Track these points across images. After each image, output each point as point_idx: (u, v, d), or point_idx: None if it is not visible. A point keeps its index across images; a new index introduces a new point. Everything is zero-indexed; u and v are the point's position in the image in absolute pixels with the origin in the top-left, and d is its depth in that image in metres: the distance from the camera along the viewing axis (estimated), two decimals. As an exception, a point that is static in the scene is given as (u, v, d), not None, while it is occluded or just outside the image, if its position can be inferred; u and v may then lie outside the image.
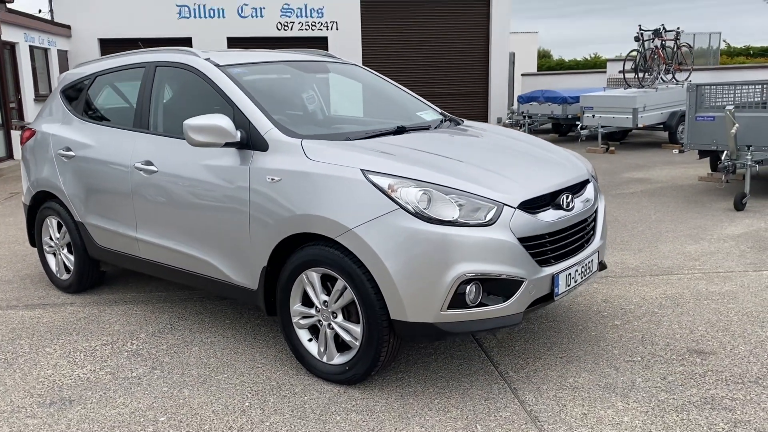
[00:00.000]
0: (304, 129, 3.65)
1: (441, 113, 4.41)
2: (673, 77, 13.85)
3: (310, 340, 3.34)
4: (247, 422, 2.90)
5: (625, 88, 13.65)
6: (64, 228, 4.69)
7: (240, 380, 3.31)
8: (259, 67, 4.06)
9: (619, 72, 16.59)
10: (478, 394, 3.08)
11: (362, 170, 3.03)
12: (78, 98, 4.73)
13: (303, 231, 3.16)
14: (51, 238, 4.87)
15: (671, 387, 3.09)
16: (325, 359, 3.26)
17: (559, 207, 3.22)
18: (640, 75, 13.51)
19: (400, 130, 3.74)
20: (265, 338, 3.83)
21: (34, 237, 5.04)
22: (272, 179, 3.28)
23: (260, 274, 3.41)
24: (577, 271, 3.26)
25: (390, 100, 4.43)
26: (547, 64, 38.14)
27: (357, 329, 3.09)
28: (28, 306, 4.54)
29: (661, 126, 12.87)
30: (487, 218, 2.91)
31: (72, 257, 4.70)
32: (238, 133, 3.40)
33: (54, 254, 4.90)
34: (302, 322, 3.32)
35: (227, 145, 3.41)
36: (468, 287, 2.86)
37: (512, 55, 20.43)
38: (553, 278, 3.09)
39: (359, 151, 3.20)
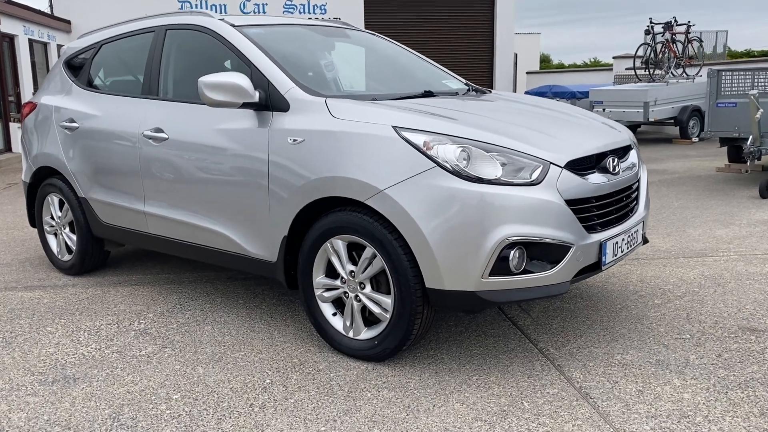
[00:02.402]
0: (326, 91, 3.41)
1: (465, 83, 4.17)
2: (684, 71, 13.65)
3: (334, 314, 3.09)
4: (270, 399, 2.65)
5: (635, 83, 13.44)
6: (66, 206, 4.44)
7: (258, 358, 3.05)
8: (277, 29, 3.82)
9: (627, 69, 16.42)
10: (520, 371, 2.83)
11: (394, 127, 2.78)
12: (82, 68, 4.48)
13: (328, 195, 2.92)
14: (52, 218, 4.62)
15: (729, 364, 2.84)
16: (351, 334, 3.00)
17: (605, 170, 2.98)
18: (651, 69, 13.31)
19: (428, 94, 3.50)
20: (283, 316, 3.58)
21: (34, 217, 4.79)
22: (294, 140, 3.03)
23: (280, 245, 3.16)
24: (623, 240, 3.02)
25: (412, 68, 4.19)
26: (547, 68, 38.02)
27: (387, 300, 2.84)
28: (27, 287, 4.28)
29: (672, 121, 12.66)
30: (533, 177, 2.67)
31: (74, 237, 4.44)
32: (257, 93, 3.15)
33: (55, 234, 4.64)
34: (326, 294, 3.07)
35: (244, 106, 3.16)
36: (512, 252, 2.62)
37: (515, 56, 20.24)
38: (601, 246, 2.85)
39: (390, 108, 2.96)
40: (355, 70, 4.10)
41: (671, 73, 13.44)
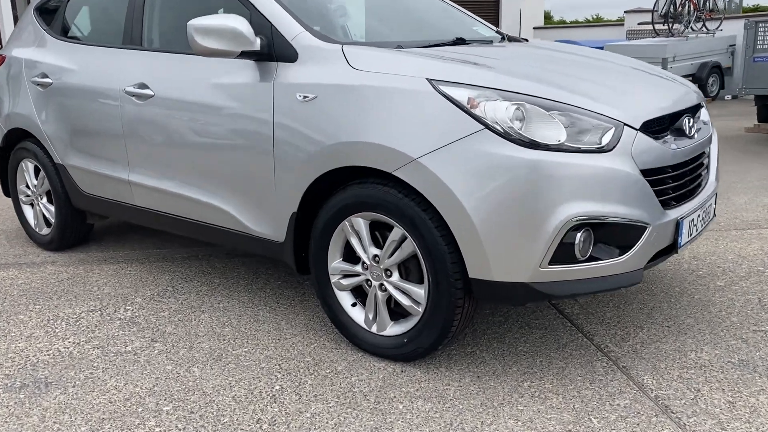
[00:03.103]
0: (341, 38, 2.87)
1: (497, 31, 3.62)
2: (704, 25, 12.96)
3: (354, 305, 2.61)
4: (281, 412, 2.19)
5: (652, 37, 12.77)
6: (42, 173, 3.92)
7: (265, 356, 2.59)
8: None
9: (639, 24, 15.68)
10: (579, 374, 2.37)
11: (430, 80, 2.26)
12: (56, 15, 3.90)
13: (346, 164, 2.41)
14: (27, 186, 4.10)
15: (827, 365, 2.39)
16: (374, 329, 2.53)
17: (681, 133, 2.47)
18: (670, 23, 12.62)
19: (460, 42, 2.96)
20: (290, 302, 3.11)
21: (8, 185, 4.27)
22: (304, 97, 2.50)
23: (288, 223, 2.67)
24: (698, 216, 2.53)
25: (435, 13, 3.63)
26: (550, 23, 36.94)
27: (420, 291, 2.36)
28: (0, 265, 3.80)
29: (690, 78, 12.03)
30: (603, 142, 2.16)
31: (52, 208, 3.94)
32: (258, 40, 2.61)
33: (32, 205, 4.13)
34: (344, 282, 2.59)
35: (243, 55, 2.62)
36: (577, 235, 2.13)
37: (519, 12, 19.42)
38: (678, 224, 2.36)
39: (422, 56, 2.43)
40: (370, 15, 3.53)
41: (690, 27, 12.75)
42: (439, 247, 2.24)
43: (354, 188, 2.44)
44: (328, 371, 2.45)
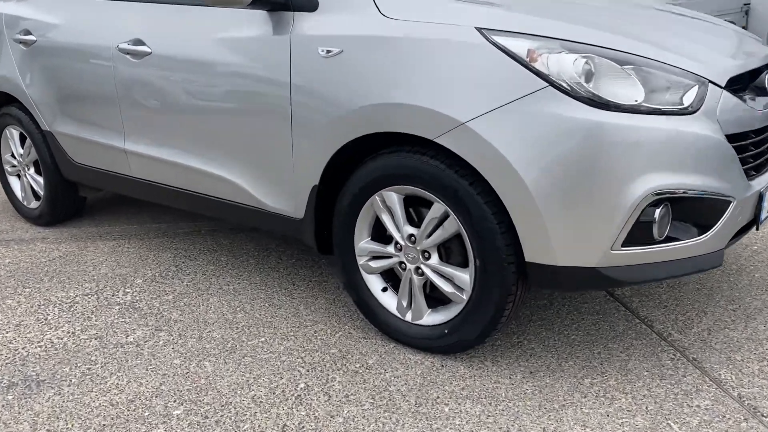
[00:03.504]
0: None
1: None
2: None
3: (384, 289, 2.32)
4: (309, 417, 1.91)
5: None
6: (28, 141, 3.57)
7: (285, 347, 2.30)
8: None
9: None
10: (644, 368, 2.09)
11: (480, 29, 1.92)
12: (37, -36, 3.51)
13: (378, 130, 2.08)
14: (13, 155, 3.75)
15: None
16: (409, 317, 2.24)
17: (762, 91, 2.15)
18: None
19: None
20: (307, 283, 2.81)
21: (-7, 154, 3.92)
22: (327, 52, 2.16)
23: (308, 197, 2.35)
24: (778, 187, 2.22)
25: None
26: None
27: (464, 276, 2.06)
28: (-14, 243, 3.48)
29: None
30: (686, 102, 1.84)
31: (41, 179, 3.60)
32: (271, -14, 2.26)
33: (18, 176, 3.79)
34: (373, 264, 2.28)
35: (254, 4, 2.27)
36: (656, 211, 1.82)
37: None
38: (760, 197, 2.05)
39: (468, 2, 2.08)
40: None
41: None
42: (488, 226, 1.94)
43: (386, 158, 2.12)
44: (358, 366, 2.17)
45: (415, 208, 2.17)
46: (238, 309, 2.60)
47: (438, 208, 2.05)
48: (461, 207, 1.98)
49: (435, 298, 2.21)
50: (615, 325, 2.36)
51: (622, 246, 1.83)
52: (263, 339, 2.36)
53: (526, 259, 1.92)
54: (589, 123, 1.77)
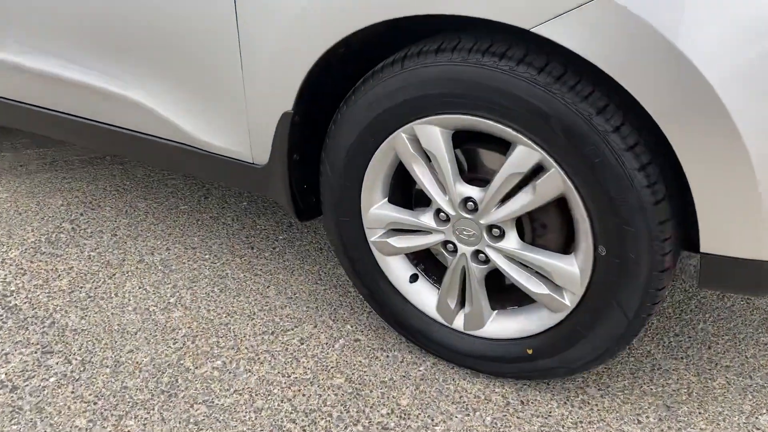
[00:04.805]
0: None
1: None
2: None
3: (414, 278, 1.44)
4: None
5: None
6: None
7: (255, 380, 1.43)
8: None
9: None
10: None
11: None
12: None
13: (413, 13, 1.11)
14: None
15: None
16: (459, 324, 1.39)
17: None
18: None
19: None
20: (274, 241, 1.90)
21: None
22: None
23: (276, 132, 1.38)
24: None
25: None
26: None
27: (570, 270, 1.19)
28: None
29: None
30: None
31: None
32: None
33: None
34: (396, 243, 1.38)
35: None
36: None
37: None
38: None
39: None
40: None
41: None
42: (631, 191, 1.06)
43: (424, 66, 1.16)
44: (385, 411, 1.33)
45: (470, 154, 1.26)
46: (172, 302, 1.68)
47: (524, 154, 1.14)
48: (574, 153, 1.08)
49: (501, 296, 1.36)
50: (748, 336, 1.59)
51: None
52: (219, 362, 1.48)
53: (704, 250, 1.07)
54: None
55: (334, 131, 1.32)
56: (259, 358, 1.48)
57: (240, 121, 1.44)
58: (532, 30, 1.02)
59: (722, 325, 1.52)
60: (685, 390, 1.34)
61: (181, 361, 1.48)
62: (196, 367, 1.47)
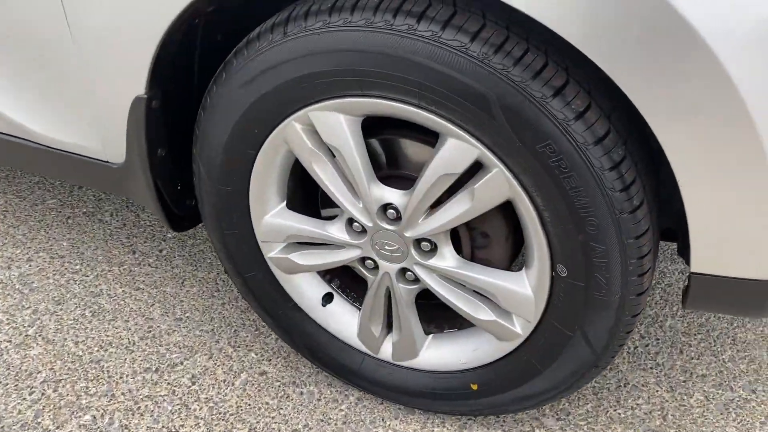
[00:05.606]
0: None
1: None
2: None
3: (328, 298, 1.14)
4: None
5: None
6: None
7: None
8: None
9: None
10: None
11: None
12: None
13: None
14: None
15: None
16: (386, 354, 1.11)
17: None
18: None
19: None
20: (159, 248, 1.56)
21: None
22: None
23: (129, 123, 1.03)
24: None
25: None
26: None
27: (522, 292, 0.92)
28: None
29: None
30: None
31: None
32: None
33: None
34: (300, 261, 1.07)
35: None
36: None
37: None
38: None
39: None
40: None
41: None
42: (598, 197, 0.78)
43: (303, 33, 0.83)
44: (300, 477, 1.06)
45: (388, 144, 0.96)
46: (30, 334, 1.34)
47: (457, 149, 0.84)
48: (524, 148, 0.79)
49: (438, 309, 1.09)
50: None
51: None
52: (88, 417, 1.16)
53: (695, 270, 0.82)
54: None
55: (205, 120, 0.99)
56: (138, 408, 1.17)
57: (82, 112, 1.08)
58: (463, -20, 0.71)
59: (692, 320, 1.30)
60: (659, 412, 1.12)
61: (39, 419, 1.16)
62: (58, 427, 1.15)
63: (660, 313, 1.33)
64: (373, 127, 0.94)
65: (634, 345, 1.25)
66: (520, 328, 0.96)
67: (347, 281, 1.14)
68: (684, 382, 1.17)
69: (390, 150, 0.97)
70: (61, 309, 1.40)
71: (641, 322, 1.30)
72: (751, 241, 0.76)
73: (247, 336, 1.31)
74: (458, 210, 0.89)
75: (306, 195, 1.08)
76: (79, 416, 1.17)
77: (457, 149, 0.84)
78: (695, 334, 1.26)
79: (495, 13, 0.77)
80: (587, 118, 0.76)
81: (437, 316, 1.10)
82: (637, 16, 0.66)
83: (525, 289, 0.92)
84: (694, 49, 0.65)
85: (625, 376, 1.19)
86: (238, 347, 1.29)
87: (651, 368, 1.20)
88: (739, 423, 1.10)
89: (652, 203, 0.83)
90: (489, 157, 0.82)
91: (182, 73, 1.04)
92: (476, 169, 0.86)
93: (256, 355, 1.27)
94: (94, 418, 1.16)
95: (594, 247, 0.82)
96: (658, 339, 1.26)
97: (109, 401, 1.19)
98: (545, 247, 0.86)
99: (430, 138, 0.90)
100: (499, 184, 0.84)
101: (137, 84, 0.98)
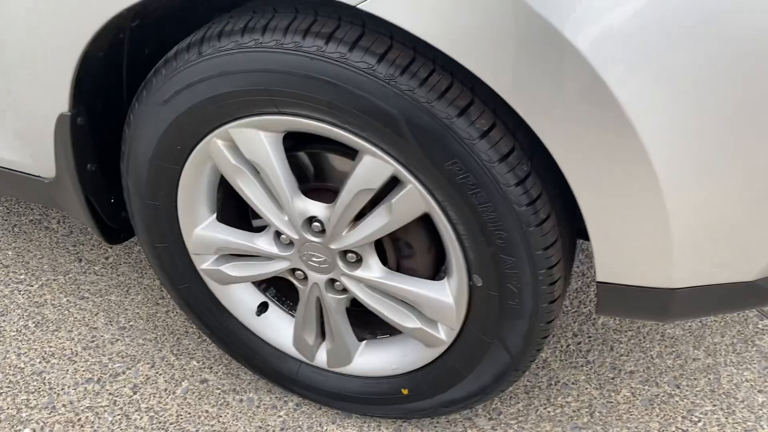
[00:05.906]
0: None
1: None
2: None
3: (263, 308, 1.16)
4: None
5: None
6: None
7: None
8: None
9: None
10: None
11: None
12: None
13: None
14: None
15: None
16: (321, 361, 1.13)
17: None
18: None
19: None
20: (106, 258, 1.56)
21: None
22: None
23: (56, 139, 1.03)
24: None
25: None
26: None
27: (445, 302, 0.95)
28: None
29: None
30: None
31: None
32: None
33: None
34: (232, 272, 1.08)
35: None
36: None
37: None
38: None
39: None
40: None
41: None
42: (505, 212, 0.81)
43: (216, 54, 0.84)
44: (237, 484, 1.08)
45: (315, 157, 0.97)
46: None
47: (372, 166, 0.86)
48: (434, 166, 0.81)
49: (370, 315, 1.11)
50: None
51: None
52: (27, 431, 1.17)
53: (600, 279, 0.85)
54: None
55: (130, 137, 0.99)
56: (79, 420, 1.18)
57: (10, 127, 1.08)
58: (359, 6, 0.72)
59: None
60: (587, 409, 1.16)
61: (-22, 434, 1.16)
62: (-3, 441, 1.15)
63: (593, 311, 1.37)
64: (300, 139, 0.95)
65: (566, 343, 1.29)
66: (445, 335, 0.98)
67: (284, 289, 1.16)
68: (612, 378, 1.21)
69: (318, 163, 0.99)
70: (3, 320, 1.40)
71: (575, 321, 1.33)
72: (647, 250, 0.79)
73: (190, 344, 1.33)
74: (378, 223, 0.91)
75: (237, 206, 1.09)
76: (19, 429, 1.17)
77: (372, 166, 0.86)
78: (626, 331, 1.31)
79: (402, 35, 0.78)
80: (491, 136, 0.78)
81: (371, 321, 1.12)
82: (507, 24, 0.68)
83: (447, 298, 0.94)
84: (566, 57, 0.68)
85: (556, 374, 1.22)
86: (180, 355, 1.30)
87: (582, 366, 1.24)
88: (662, 418, 1.14)
89: (562, 213, 0.86)
90: (403, 173, 0.84)
91: (109, 89, 1.04)
92: (395, 183, 0.88)
93: (198, 362, 1.28)
94: (34, 431, 1.17)
95: (504, 258, 0.85)
96: (590, 336, 1.30)
97: (49, 414, 1.20)
98: (461, 259, 0.89)
99: (355, 152, 0.92)
100: (414, 199, 0.86)
101: (60, 101, 0.98)
